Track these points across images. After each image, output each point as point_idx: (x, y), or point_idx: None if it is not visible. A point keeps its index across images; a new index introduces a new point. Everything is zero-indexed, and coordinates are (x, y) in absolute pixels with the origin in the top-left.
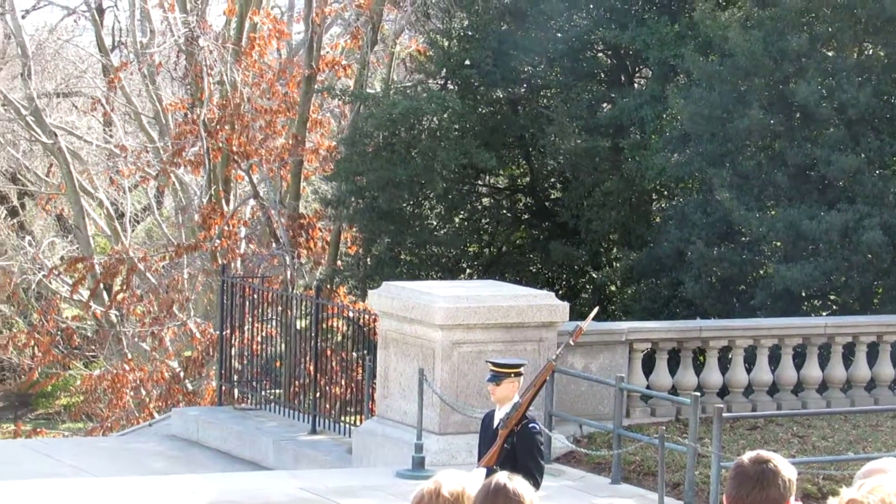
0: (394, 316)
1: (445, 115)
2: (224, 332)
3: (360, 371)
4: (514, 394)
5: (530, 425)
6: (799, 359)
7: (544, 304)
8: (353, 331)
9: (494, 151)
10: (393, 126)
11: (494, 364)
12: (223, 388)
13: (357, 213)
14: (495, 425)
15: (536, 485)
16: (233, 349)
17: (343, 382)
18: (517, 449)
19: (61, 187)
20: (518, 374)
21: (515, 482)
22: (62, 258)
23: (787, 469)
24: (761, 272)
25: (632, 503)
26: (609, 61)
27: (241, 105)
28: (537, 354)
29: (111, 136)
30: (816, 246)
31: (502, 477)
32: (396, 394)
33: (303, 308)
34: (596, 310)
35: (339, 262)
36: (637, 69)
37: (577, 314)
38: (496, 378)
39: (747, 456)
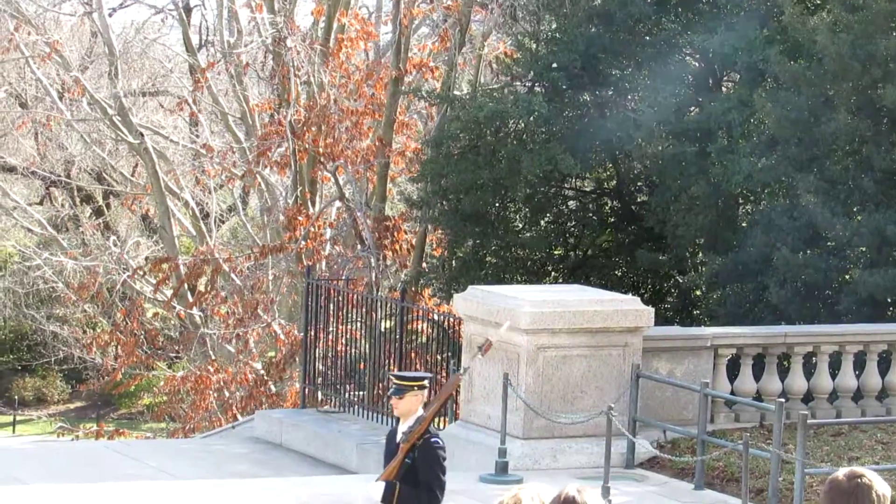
0: (478, 320)
1: (531, 119)
2: (308, 334)
3: (445, 374)
4: (417, 407)
5: (432, 440)
6: (884, 365)
7: (629, 308)
8: (437, 333)
9: (580, 155)
10: (479, 129)
11: (397, 377)
12: (307, 390)
13: (442, 215)
14: (398, 440)
15: (437, 501)
16: (317, 351)
17: None
18: (418, 464)
19: (147, 187)
20: (422, 388)
21: (585, 495)
22: (147, 258)
23: (880, 485)
24: (847, 278)
25: None
26: (697, 65)
27: (328, 106)
28: (622, 360)
29: (197, 136)
30: None
31: (571, 489)
32: (480, 398)
33: (387, 310)
34: (508, 323)
35: (423, 264)
36: (725, 73)
37: (662, 319)
38: (399, 391)
39: (842, 471)
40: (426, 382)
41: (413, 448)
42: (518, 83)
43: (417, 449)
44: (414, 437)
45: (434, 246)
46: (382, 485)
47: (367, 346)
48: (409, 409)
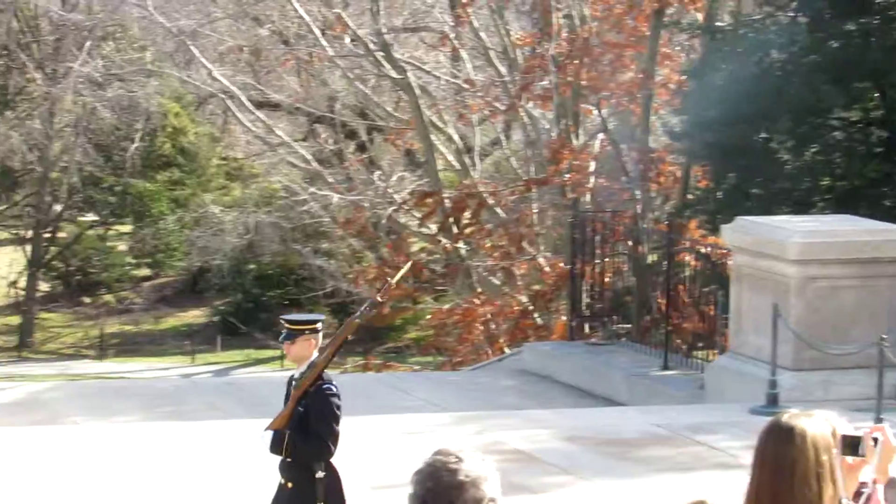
0: (747, 251)
1: (795, 49)
2: (575, 267)
3: (712, 306)
4: (311, 352)
5: (324, 386)
6: None
7: None
8: (704, 265)
9: (845, 85)
10: (741, 60)
11: (287, 321)
12: (574, 323)
13: (705, 147)
14: (292, 386)
15: (328, 452)
16: (583, 284)
17: (694, 318)
18: (310, 412)
19: (410, 122)
20: (314, 331)
21: (798, 420)
22: (411, 192)
23: None
24: None
25: None
26: None
27: (590, 39)
28: (892, 291)
29: (459, 71)
30: None
31: (784, 414)
32: (749, 329)
33: (654, 242)
34: (409, 265)
35: (688, 196)
36: None
37: None
38: (290, 336)
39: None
40: (319, 326)
41: (305, 395)
42: (781, 13)
43: (309, 396)
44: (305, 384)
45: (699, 178)
46: (271, 434)
47: (634, 278)
48: (302, 354)
